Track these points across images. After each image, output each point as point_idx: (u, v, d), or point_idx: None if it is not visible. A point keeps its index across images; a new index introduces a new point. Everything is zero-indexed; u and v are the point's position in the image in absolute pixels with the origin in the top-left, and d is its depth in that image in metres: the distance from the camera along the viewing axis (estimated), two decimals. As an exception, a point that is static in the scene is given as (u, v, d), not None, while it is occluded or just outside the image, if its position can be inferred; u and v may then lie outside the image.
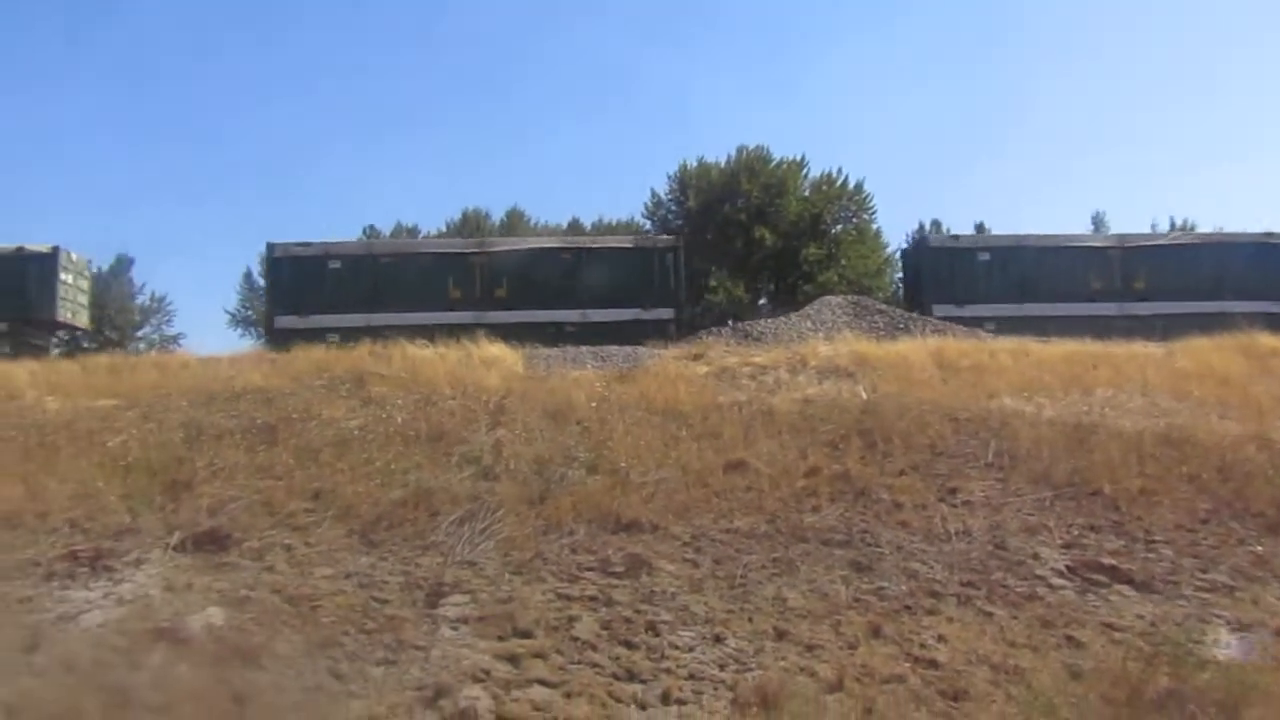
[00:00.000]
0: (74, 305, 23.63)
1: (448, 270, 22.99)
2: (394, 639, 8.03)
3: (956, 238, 29.77)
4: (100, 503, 10.10)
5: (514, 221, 43.03)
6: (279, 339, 21.81)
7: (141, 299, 44.93)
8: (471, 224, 42.31)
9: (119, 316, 41.84)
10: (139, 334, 43.76)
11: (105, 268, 41.61)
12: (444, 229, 42.91)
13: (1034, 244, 27.39)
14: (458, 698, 7.34)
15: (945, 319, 22.89)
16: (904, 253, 34.13)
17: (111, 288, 41.69)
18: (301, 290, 23.08)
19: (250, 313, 44.17)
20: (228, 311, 46.26)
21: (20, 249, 23.34)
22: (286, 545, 9.44)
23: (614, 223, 40.39)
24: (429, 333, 18.77)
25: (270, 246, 24.00)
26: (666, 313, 22.06)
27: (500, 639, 8.05)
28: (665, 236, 24.19)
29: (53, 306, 22.56)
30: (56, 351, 23.16)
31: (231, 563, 9.16)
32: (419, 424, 12.06)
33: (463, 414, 12.42)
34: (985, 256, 26.34)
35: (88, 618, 8.30)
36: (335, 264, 23.35)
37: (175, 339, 43.00)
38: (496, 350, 15.75)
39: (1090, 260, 26.96)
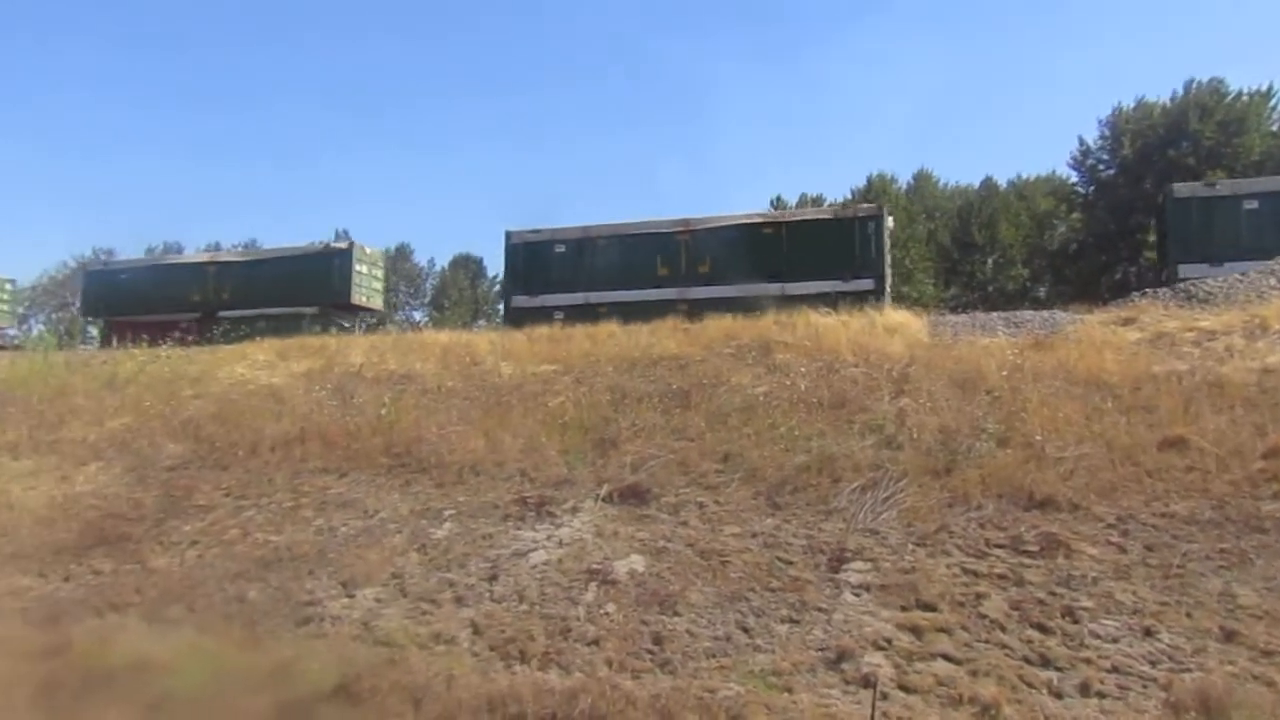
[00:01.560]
0: (368, 290, 27.90)
1: (656, 249, 23.41)
2: (797, 599, 8.27)
3: None
4: (543, 455, 11.47)
5: (921, 183, 41.73)
6: (514, 317, 23.57)
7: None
8: (876, 189, 41.62)
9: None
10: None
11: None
12: (849, 195, 42.68)
13: None
14: (859, 663, 7.41)
15: None
16: None
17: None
18: (532, 272, 24.62)
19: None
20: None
21: (326, 245, 28.00)
22: (699, 503, 10.07)
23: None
24: (638, 309, 19.73)
25: (507, 235, 25.48)
26: (867, 283, 20.86)
27: (903, 609, 7.97)
28: (866, 205, 22.58)
29: (349, 292, 26.80)
30: (362, 329, 27.59)
31: (651, 515, 9.96)
32: (821, 391, 12.20)
33: (865, 382, 12.35)
34: None
35: (534, 555, 9.52)
36: (560, 248, 24.63)
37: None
38: (900, 317, 15.38)
39: None
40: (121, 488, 12.60)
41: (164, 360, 17.46)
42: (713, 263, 22.38)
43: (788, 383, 12.62)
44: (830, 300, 18.80)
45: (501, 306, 30.80)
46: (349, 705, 7.91)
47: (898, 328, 14.62)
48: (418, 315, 56.54)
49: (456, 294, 52.11)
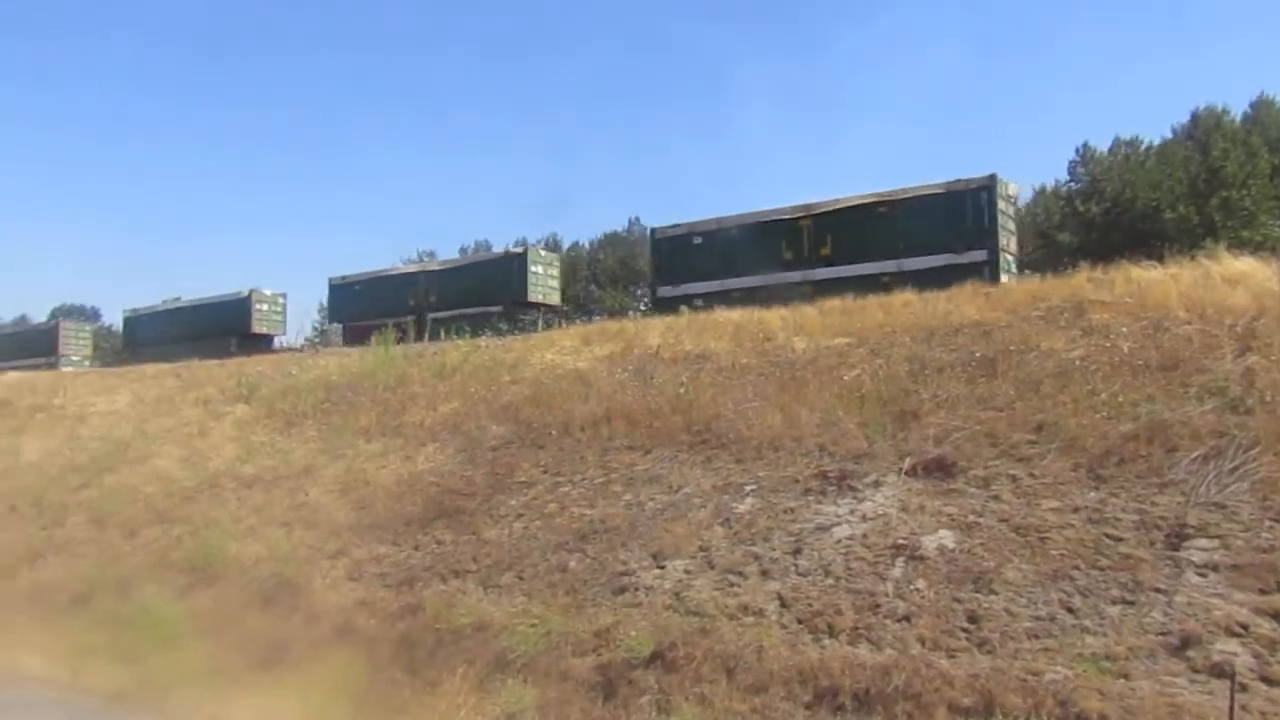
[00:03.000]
0: (545, 289, 30.83)
1: (781, 234, 24.20)
2: (1130, 579, 7.61)
3: None
4: (841, 429, 11.32)
5: (1261, 112, 36.61)
6: (661, 306, 24.91)
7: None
8: (1204, 123, 37.07)
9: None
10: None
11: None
12: (1171, 133, 38.39)
13: None
14: (1209, 650, 6.70)
15: None
16: None
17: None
18: (674, 264, 26.19)
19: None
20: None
21: (506, 251, 32.78)
22: (1011, 475, 9.51)
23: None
24: (767, 293, 20.87)
25: (652, 230, 27.49)
26: (980, 255, 20.68)
27: (1262, 592, 7.10)
28: (977, 176, 21.63)
29: (526, 291, 30.00)
30: (542, 324, 29.00)
31: (958, 489, 9.55)
32: (1148, 352, 11.06)
33: (1201, 340, 11.04)
34: None
35: (838, 530, 9.45)
36: (698, 239, 25.99)
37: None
38: (1243, 265, 13.58)
39: None
40: (455, 466, 13.94)
41: (483, 350, 19.06)
42: (833, 244, 23.17)
43: (1107, 345, 11.56)
44: (942, 276, 18.65)
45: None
46: (665, 671, 8.30)
47: (1240, 278, 12.93)
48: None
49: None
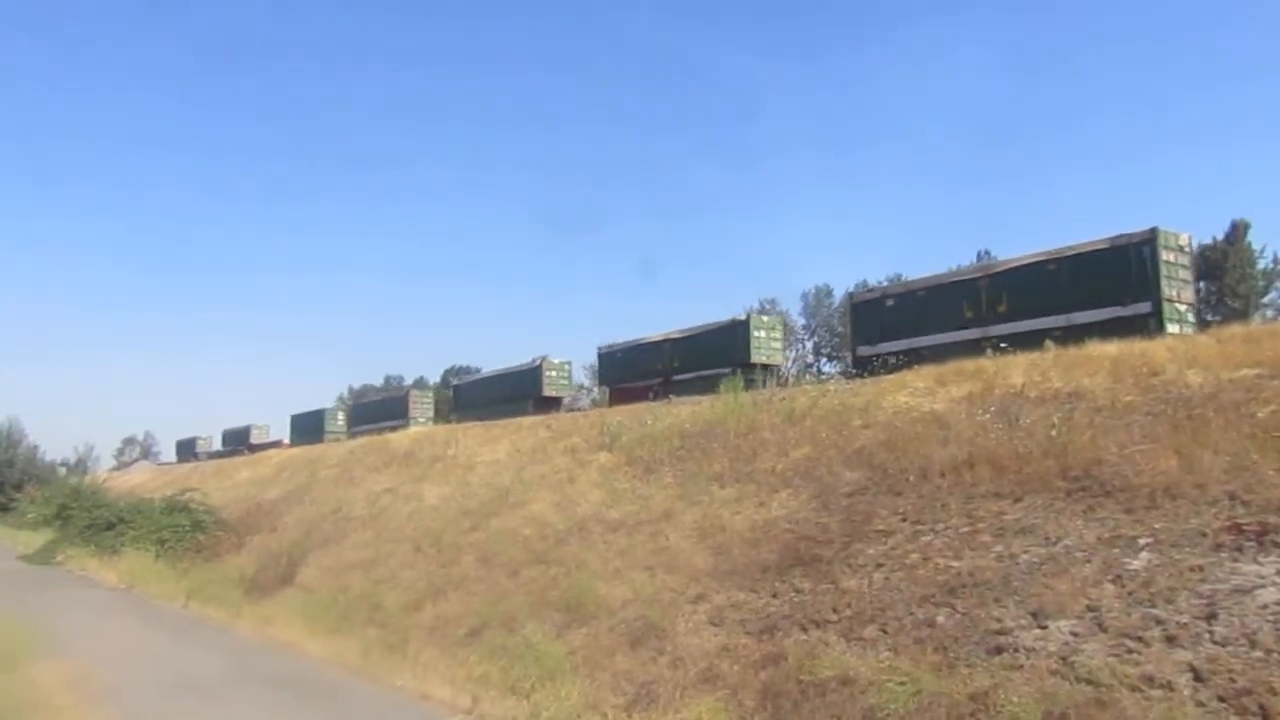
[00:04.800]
0: (768, 350, 33.61)
1: (962, 295, 25.96)
2: None
3: None
4: (1257, 475, 9.75)
5: None
6: (859, 364, 28.12)
7: (1264, 263, 42.82)
8: None
9: (1240, 285, 40.58)
10: (1264, 300, 41.78)
11: (1219, 237, 41.32)
12: None
13: None
14: None
15: None
16: None
17: (1229, 256, 40.85)
18: (870, 325, 29.08)
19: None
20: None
21: (733, 320, 35.03)
22: None
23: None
24: (950, 349, 22.21)
25: (849, 295, 32.04)
26: (1145, 307, 21.63)
27: None
28: (1141, 230, 22.41)
29: (749, 354, 32.90)
30: (769, 383, 29.68)
31: None
32: None
33: None
34: None
35: (1263, 593, 8.09)
36: (890, 302, 28.85)
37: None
38: None
39: None
40: (809, 513, 13.76)
41: (832, 394, 18.82)
42: (1009, 301, 24.64)
43: None
44: (1108, 329, 19.45)
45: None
46: (1055, 743, 7.50)
47: None
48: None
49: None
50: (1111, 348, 15.82)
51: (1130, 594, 8.81)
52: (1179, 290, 21.78)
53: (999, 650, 8.88)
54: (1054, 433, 12.40)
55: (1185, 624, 8.16)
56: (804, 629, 10.88)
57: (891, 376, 19.11)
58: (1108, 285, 22.24)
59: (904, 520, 12.24)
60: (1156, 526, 9.66)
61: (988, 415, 14.12)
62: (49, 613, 20.26)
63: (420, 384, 77.74)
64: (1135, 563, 9.23)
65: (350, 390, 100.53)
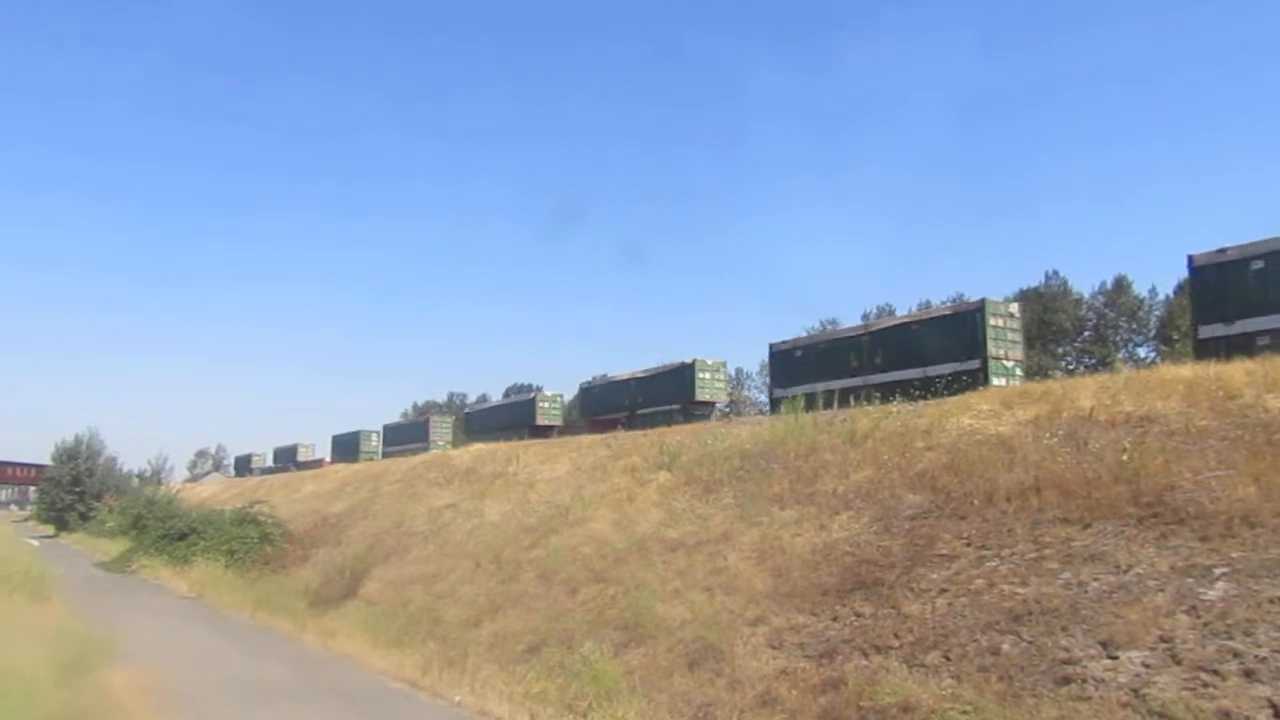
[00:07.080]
0: (711, 390, 38.24)
1: (849, 349, 29.88)
2: None
3: None
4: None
5: None
6: (774, 406, 30.88)
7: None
8: None
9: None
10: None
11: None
12: None
13: None
14: None
15: None
16: None
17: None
18: (783, 372, 32.38)
19: None
20: None
21: (682, 364, 38.94)
22: None
23: None
24: (843, 395, 25.80)
25: (770, 345, 33.60)
26: (975, 364, 25.06)
27: None
28: (974, 300, 27.02)
29: (694, 394, 37.94)
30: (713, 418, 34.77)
31: None
32: None
33: None
34: None
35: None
36: (798, 352, 31.91)
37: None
38: None
39: None
40: (870, 536, 13.59)
41: (894, 416, 18.56)
42: (884, 355, 28.19)
43: None
44: (951, 381, 23.39)
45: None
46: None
47: None
48: (1141, 351, 52.43)
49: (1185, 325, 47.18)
50: (1186, 370, 15.39)
51: (1205, 625, 8.54)
52: (1007, 350, 25.55)
53: (1067, 680, 8.66)
54: (1125, 457, 12.09)
55: (1264, 658, 7.88)
56: (864, 654, 10.72)
57: (955, 398, 18.80)
58: (951, 344, 26.02)
59: (968, 545, 12.02)
60: (1233, 555, 9.36)
61: (1055, 439, 13.81)
62: (123, 619, 20.84)
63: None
64: (1211, 593, 8.94)
65: (414, 407, 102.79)
